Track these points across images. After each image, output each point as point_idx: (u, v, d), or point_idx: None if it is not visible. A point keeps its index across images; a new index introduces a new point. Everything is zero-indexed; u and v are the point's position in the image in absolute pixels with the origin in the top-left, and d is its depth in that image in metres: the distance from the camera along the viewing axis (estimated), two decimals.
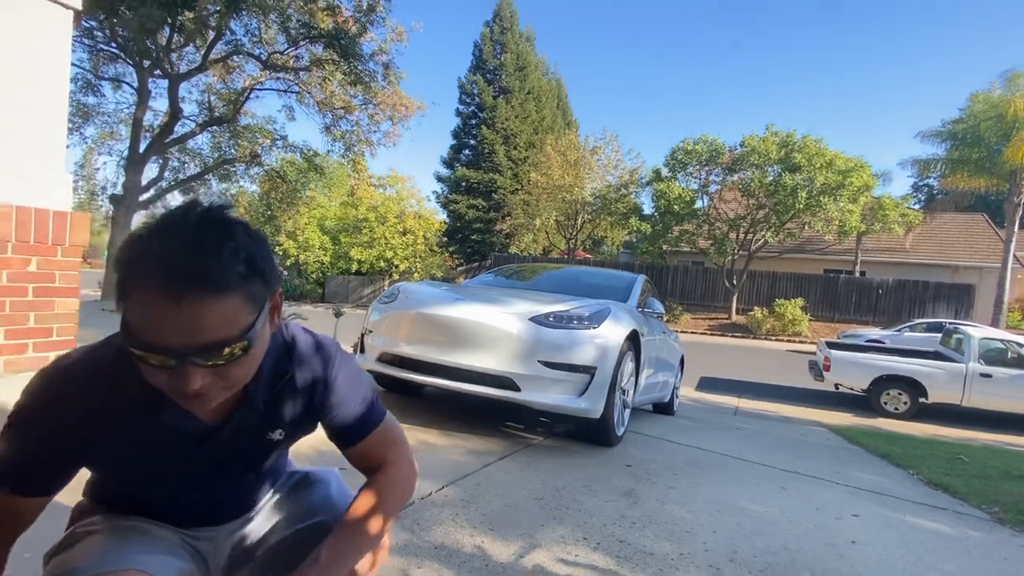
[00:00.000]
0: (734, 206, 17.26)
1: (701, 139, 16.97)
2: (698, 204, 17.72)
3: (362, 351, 3.29)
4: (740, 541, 1.88)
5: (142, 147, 13.96)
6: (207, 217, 0.60)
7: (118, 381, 0.66)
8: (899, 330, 13.14)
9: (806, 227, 16.61)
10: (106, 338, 0.71)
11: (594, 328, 2.81)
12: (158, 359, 0.57)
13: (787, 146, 15.66)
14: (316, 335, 0.84)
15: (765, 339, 15.63)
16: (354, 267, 22.51)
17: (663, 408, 4.86)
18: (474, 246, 26.03)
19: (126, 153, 14.53)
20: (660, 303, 3.86)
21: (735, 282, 17.43)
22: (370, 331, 3.25)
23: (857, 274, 18.62)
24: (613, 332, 2.87)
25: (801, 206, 15.14)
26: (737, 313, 17.58)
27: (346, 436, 0.86)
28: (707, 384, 7.89)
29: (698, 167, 17.30)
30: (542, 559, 1.59)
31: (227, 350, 0.59)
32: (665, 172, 17.78)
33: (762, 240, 17.09)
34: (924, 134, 16.56)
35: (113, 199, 14.49)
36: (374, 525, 0.81)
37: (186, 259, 0.55)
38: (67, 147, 3.41)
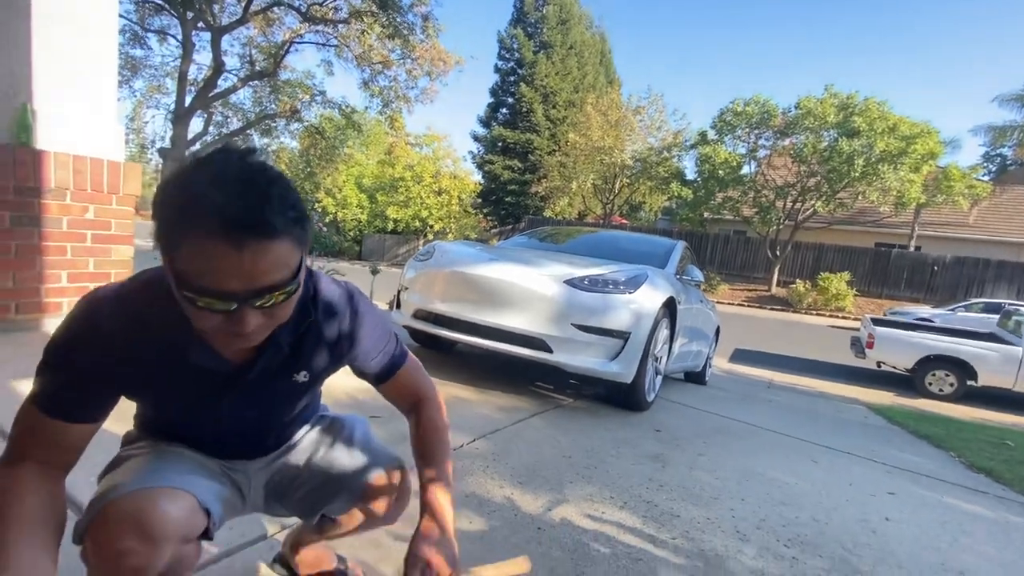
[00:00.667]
0: (783, 173, 16.41)
1: (752, 100, 16.04)
2: (744, 170, 16.94)
3: (398, 307, 3.36)
4: (768, 510, 1.87)
5: (187, 101, 14.27)
6: (250, 163, 0.60)
7: (144, 318, 0.68)
8: (952, 310, 12.45)
9: (860, 197, 15.67)
10: (135, 275, 0.73)
11: (630, 293, 2.77)
12: (217, 304, 0.59)
13: (847, 109, 14.62)
14: (337, 280, 0.86)
15: (805, 313, 15.12)
16: (390, 226, 22.82)
17: (695, 377, 4.81)
18: (508, 208, 25.82)
19: (172, 107, 14.91)
20: (699, 271, 3.76)
21: (778, 253, 16.77)
22: (406, 288, 3.30)
23: (912, 249, 17.60)
24: (649, 298, 2.82)
25: (857, 174, 14.26)
26: (778, 285, 17.01)
27: (380, 374, 0.91)
28: (741, 356, 7.74)
29: (747, 130, 16.43)
30: (570, 514, 1.63)
31: (280, 292, 0.62)
32: (711, 135, 16.97)
33: (811, 210, 16.25)
34: (1003, 98, 15.21)
35: (162, 152, 14.99)
36: (448, 454, 0.92)
37: (244, 207, 0.56)
38: (118, 100, 3.49)
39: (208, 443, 0.86)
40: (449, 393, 2.77)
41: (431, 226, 22.20)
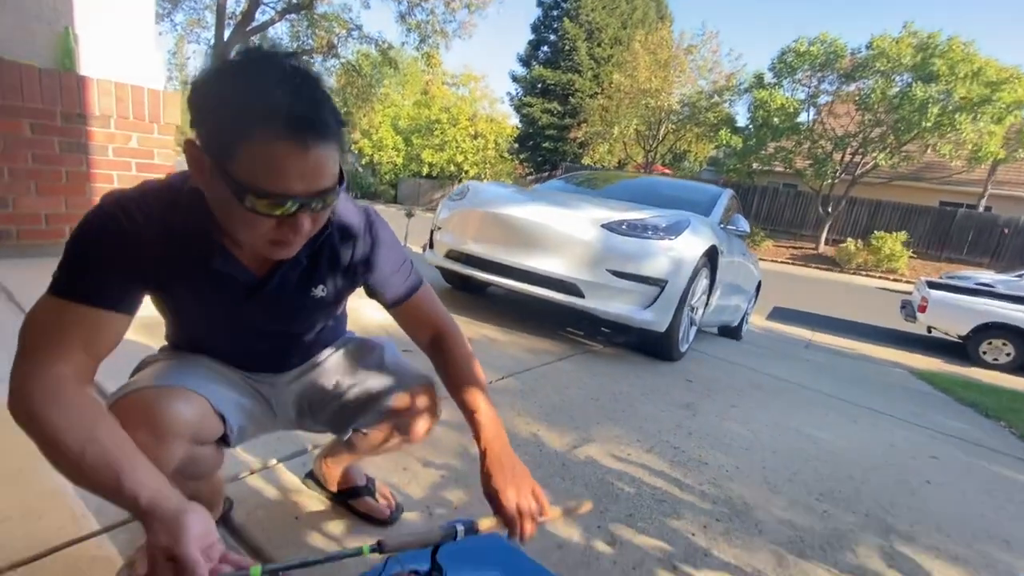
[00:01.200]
0: (844, 122, 15.15)
1: (818, 39, 14.62)
2: (802, 118, 15.72)
3: (431, 247, 3.34)
4: (801, 465, 1.82)
5: (226, 35, 14.14)
6: (300, 64, 0.58)
7: (167, 217, 0.67)
8: (1020, 276, 11.58)
9: (929, 150, 14.39)
10: (149, 180, 0.72)
11: (670, 239, 2.64)
12: (276, 209, 0.58)
13: (926, 50, 13.17)
14: (353, 200, 0.85)
15: (854, 274, 14.40)
16: (425, 170, 22.64)
17: (729, 332, 4.69)
18: (545, 155, 25.08)
19: (212, 41, 14.83)
20: (745, 221, 3.56)
21: (830, 209, 15.81)
22: (439, 228, 3.27)
23: (981, 209, 16.25)
24: (690, 246, 2.70)
25: (929, 124, 13.00)
26: (826, 243, 16.16)
27: (397, 295, 0.88)
28: (780, 314, 7.49)
29: (809, 73, 15.09)
30: (594, 453, 1.63)
31: (331, 196, 0.62)
32: (769, 78, 15.69)
33: (871, 163, 15.08)
34: None
35: None
36: (484, 381, 0.88)
37: (308, 106, 0.56)
38: (159, 34, 3.44)
39: (232, 355, 0.87)
40: (479, 333, 2.78)
41: (466, 171, 21.91)
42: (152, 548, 0.52)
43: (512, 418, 1.78)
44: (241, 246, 0.71)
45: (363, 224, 0.82)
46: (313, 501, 1.16)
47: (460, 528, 0.68)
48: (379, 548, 0.61)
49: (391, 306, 0.90)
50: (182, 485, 0.82)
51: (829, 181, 15.52)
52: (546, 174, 23.31)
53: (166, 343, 0.90)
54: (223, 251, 0.70)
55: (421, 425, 0.95)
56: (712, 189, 3.91)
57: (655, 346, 2.92)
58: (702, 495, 1.49)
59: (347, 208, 0.80)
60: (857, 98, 14.50)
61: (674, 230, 2.69)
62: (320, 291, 0.82)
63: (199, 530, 0.54)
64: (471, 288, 3.76)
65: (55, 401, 0.57)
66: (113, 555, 0.91)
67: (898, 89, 13.66)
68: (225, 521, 1.04)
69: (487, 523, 0.72)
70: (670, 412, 2.11)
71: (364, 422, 0.95)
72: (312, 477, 1.19)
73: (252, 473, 1.22)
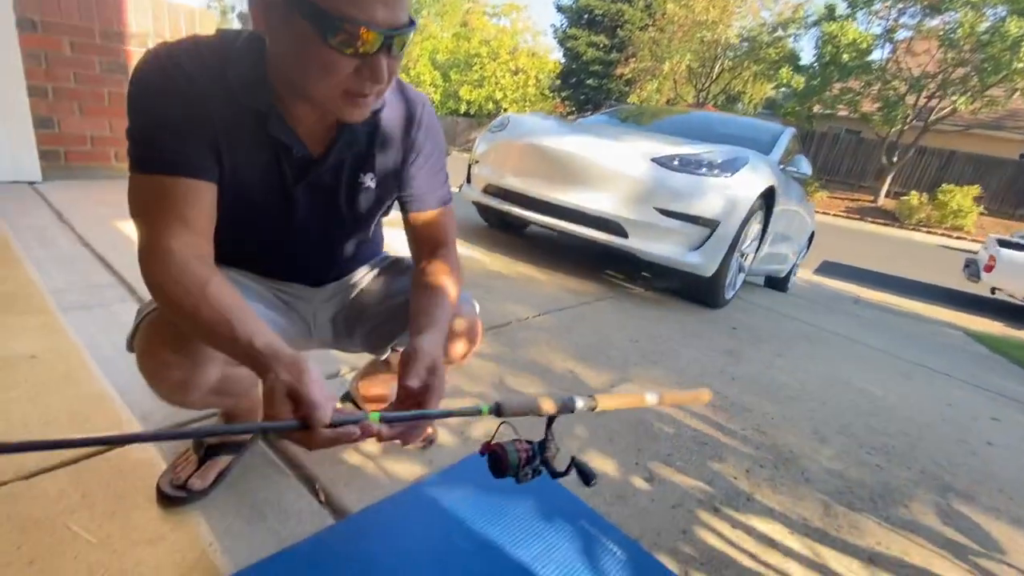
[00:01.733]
0: (922, 60, 13.65)
1: None
2: (874, 55, 14.23)
3: (468, 182, 3.24)
4: (852, 418, 1.73)
5: None
6: None
7: (223, 68, 0.63)
8: None
9: (1016, 95, 12.90)
10: (207, 34, 0.67)
11: (726, 177, 2.45)
12: (361, 42, 0.55)
13: None
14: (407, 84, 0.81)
15: (914, 230, 13.46)
16: (462, 108, 22.03)
17: (775, 283, 4.48)
18: (588, 93, 23.83)
19: None
20: (808, 163, 3.27)
21: (895, 159, 14.60)
22: (477, 161, 3.15)
23: None
24: (747, 185, 2.50)
25: (1021, 65, 11.58)
26: (887, 196, 15.07)
27: (426, 198, 0.83)
28: (829, 269, 7.12)
29: (889, 4, 13.51)
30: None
31: (407, 36, 0.59)
32: (842, 9, 14.16)
33: (948, 108, 13.68)
34: None
35: (242, 17, 14.83)
36: (455, 292, 0.81)
37: None
38: None
39: (270, 260, 0.83)
40: (516, 271, 2.72)
41: (504, 109, 21.22)
42: (271, 385, 0.52)
43: (547, 354, 1.74)
44: (300, 120, 0.67)
45: (420, 108, 0.78)
46: None
47: (579, 403, 0.66)
48: (497, 410, 0.61)
49: (414, 210, 0.83)
50: (220, 402, 0.81)
51: (898, 127, 14.23)
52: (588, 114, 22.30)
53: None
54: (280, 118, 0.66)
55: (459, 348, 0.90)
56: (773, 126, 3.60)
57: (699, 291, 2.80)
58: (745, 440, 1.43)
59: (403, 85, 0.77)
60: (941, 33, 12.95)
61: (731, 167, 2.49)
62: (369, 179, 0.78)
63: (318, 376, 0.53)
64: (510, 228, 3.67)
65: (165, 275, 0.59)
66: (156, 459, 0.93)
67: (989, 24, 12.11)
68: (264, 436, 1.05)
69: (607, 402, 0.70)
70: (713, 358, 2.03)
71: (400, 342, 0.92)
72: (349, 399, 1.18)
73: None
